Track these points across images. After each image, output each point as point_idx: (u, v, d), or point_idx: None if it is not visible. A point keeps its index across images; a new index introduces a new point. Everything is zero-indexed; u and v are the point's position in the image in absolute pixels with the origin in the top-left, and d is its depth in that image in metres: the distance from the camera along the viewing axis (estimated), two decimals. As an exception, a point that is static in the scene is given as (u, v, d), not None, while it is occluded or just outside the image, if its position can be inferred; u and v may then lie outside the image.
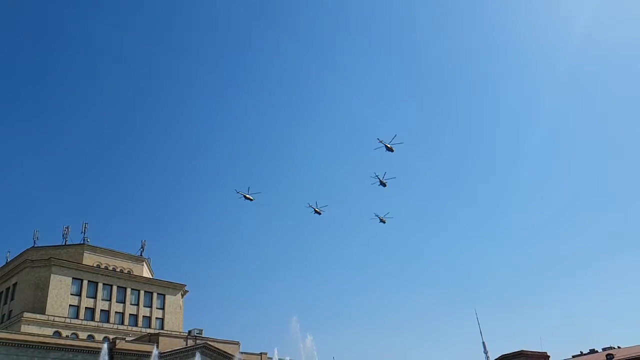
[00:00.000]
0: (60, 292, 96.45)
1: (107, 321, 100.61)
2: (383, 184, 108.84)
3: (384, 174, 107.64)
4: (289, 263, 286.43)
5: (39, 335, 78.84)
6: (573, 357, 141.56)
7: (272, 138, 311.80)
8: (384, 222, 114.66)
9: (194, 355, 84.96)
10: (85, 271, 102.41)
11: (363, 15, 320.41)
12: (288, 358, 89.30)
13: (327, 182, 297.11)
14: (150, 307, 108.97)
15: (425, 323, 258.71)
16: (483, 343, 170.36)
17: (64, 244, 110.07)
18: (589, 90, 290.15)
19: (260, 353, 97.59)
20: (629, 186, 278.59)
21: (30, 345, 73.38)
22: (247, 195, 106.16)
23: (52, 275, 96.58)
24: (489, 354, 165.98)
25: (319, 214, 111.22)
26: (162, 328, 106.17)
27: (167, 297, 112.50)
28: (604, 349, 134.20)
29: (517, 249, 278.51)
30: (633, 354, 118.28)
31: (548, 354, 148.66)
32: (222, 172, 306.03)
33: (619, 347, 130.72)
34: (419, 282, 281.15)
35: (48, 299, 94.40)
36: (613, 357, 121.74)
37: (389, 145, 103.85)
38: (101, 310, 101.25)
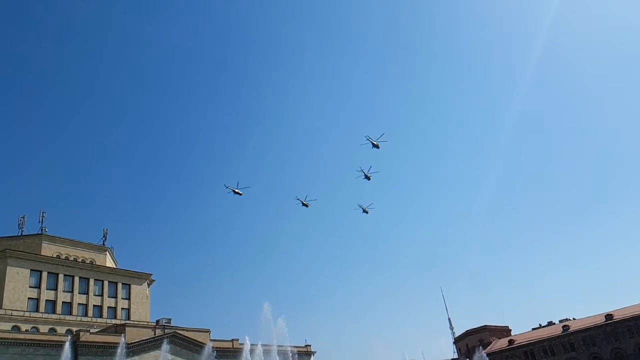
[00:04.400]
0: (18, 284, 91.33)
1: (70, 313, 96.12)
2: (368, 178, 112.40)
3: (369, 168, 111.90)
4: (261, 250, 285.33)
5: (-5, 331, 74.31)
6: (533, 329, 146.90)
7: (257, 130, 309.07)
8: (366, 212, 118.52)
9: (162, 344, 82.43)
10: (44, 262, 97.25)
11: (349, 17, 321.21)
12: (260, 343, 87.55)
13: (314, 176, 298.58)
14: (115, 297, 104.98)
15: (394, 302, 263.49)
16: (449, 319, 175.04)
17: (20, 234, 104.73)
18: (553, 92, 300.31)
19: (232, 340, 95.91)
20: (581, 169, 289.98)
21: (-14, 341, 69.08)
22: (237, 190, 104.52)
23: (9, 268, 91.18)
24: (454, 329, 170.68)
25: (307, 206, 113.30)
26: (128, 318, 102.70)
27: (133, 286, 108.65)
28: (560, 321, 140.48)
29: (481, 229, 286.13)
30: (586, 325, 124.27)
31: (510, 328, 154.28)
32: (191, 161, 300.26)
33: (573, 319, 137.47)
34: (389, 264, 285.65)
35: (4, 292, 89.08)
36: (569, 328, 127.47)
37: (375, 142, 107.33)
38: (63, 302, 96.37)
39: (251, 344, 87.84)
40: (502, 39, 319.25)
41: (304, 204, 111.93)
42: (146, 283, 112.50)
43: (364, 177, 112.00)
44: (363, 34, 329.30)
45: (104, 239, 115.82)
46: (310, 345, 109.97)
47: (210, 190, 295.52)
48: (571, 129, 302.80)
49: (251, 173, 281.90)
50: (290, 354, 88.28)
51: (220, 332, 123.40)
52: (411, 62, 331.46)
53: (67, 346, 72.14)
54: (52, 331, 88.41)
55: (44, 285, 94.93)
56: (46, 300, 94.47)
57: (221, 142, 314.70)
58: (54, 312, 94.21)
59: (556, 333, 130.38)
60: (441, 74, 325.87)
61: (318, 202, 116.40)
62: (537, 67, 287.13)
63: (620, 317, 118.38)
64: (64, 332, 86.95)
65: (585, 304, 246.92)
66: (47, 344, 73.46)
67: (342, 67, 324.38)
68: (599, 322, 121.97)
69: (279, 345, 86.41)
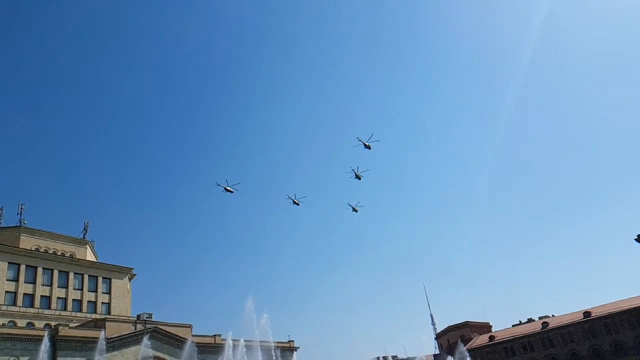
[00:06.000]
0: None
1: (49, 307, 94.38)
2: (358, 177, 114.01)
3: (357, 167, 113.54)
4: (246, 247, 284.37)
5: (-29, 325, 72.62)
6: (513, 326, 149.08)
7: (248, 127, 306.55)
8: (356, 211, 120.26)
9: (143, 339, 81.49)
10: (23, 255, 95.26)
11: (340, 16, 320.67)
12: (242, 339, 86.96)
13: (304, 174, 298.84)
14: (95, 291, 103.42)
15: (377, 299, 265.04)
16: (431, 315, 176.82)
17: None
18: (538, 104, 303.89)
19: (214, 335, 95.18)
20: (562, 169, 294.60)
21: (-39, 335, 67.52)
22: (228, 188, 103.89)
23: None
24: (436, 325, 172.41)
25: (297, 204, 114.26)
26: (108, 313, 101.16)
27: (113, 281, 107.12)
28: (540, 318, 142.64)
29: (464, 227, 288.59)
30: (564, 322, 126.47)
31: (490, 324, 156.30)
32: (178, 156, 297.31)
33: (553, 316, 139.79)
34: (373, 262, 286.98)
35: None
36: (548, 325, 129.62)
37: (367, 143, 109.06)
38: (41, 296, 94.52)
39: (233, 340, 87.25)
40: (496, 38, 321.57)
41: (294, 202, 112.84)
42: (127, 277, 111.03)
43: (354, 177, 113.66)
44: (353, 32, 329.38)
45: (84, 232, 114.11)
46: (293, 341, 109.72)
47: (197, 185, 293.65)
48: (555, 128, 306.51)
49: (241, 170, 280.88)
50: (273, 350, 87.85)
51: (202, 328, 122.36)
52: (404, 61, 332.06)
53: (45, 341, 70.74)
54: (30, 325, 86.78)
55: (22, 278, 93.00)
56: (24, 293, 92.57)
57: (211, 138, 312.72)
58: (32, 306, 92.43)
59: (536, 330, 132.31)
60: (436, 73, 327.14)
61: (307, 200, 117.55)
62: (529, 67, 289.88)
63: (598, 314, 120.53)
64: (42, 326, 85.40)
65: (564, 302, 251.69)
66: (25, 339, 71.95)
67: (335, 65, 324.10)
68: (577, 319, 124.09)
69: (262, 341, 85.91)
